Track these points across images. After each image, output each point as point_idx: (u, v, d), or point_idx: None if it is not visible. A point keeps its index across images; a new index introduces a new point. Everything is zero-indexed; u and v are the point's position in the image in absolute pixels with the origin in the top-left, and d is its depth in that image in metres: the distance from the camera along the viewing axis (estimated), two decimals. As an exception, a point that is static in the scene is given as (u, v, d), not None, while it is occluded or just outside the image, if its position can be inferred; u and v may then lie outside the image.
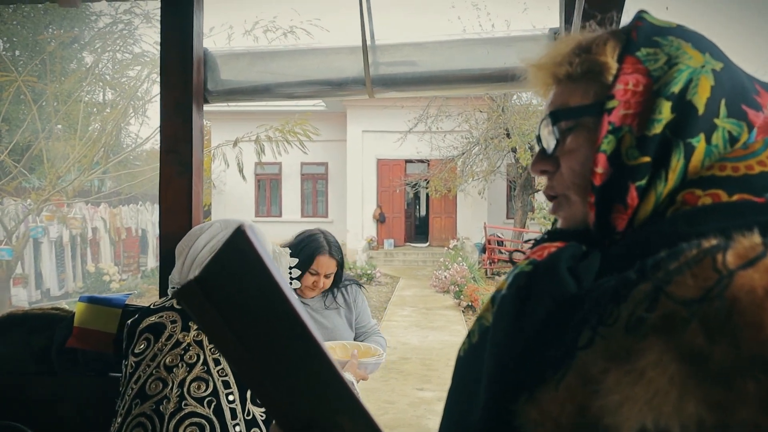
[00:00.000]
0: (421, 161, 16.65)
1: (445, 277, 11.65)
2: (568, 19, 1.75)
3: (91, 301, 1.96)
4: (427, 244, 17.44)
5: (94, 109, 9.54)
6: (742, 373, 0.35)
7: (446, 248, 15.47)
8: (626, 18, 0.64)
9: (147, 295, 11.28)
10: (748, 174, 0.52)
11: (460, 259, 13.47)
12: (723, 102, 0.55)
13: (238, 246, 0.53)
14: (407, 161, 16.98)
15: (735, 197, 0.50)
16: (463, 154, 15.00)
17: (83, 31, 10.17)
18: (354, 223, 16.85)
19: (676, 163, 0.54)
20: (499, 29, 13.11)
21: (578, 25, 1.59)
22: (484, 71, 1.94)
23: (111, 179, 11.60)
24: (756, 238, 0.41)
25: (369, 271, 13.22)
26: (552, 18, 1.99)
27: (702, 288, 0.39)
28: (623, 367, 0.40)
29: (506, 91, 11.37)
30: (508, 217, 17.24)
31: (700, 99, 0.54)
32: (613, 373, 0.41)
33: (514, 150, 14.09)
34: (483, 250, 14.71)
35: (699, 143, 0.54)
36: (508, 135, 13.92)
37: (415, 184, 16.67)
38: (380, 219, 17.01)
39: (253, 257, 0.52)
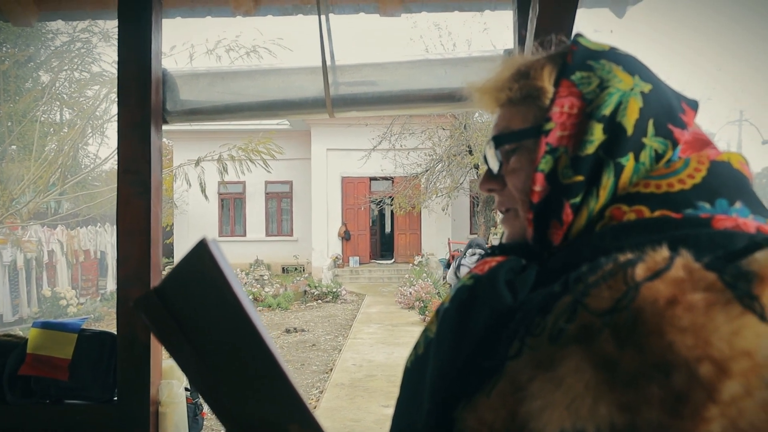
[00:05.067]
0: (386, 178, 16.71)
1: (410, 293, 11.69)
2: (521, 41, 1.81)
3: (45, 326, 1.91)
4: (393, 260, 17.45)
5: (51, 129, 9.32)
6: (646, 376, 0.38)
7: (411, 264, 15.50)
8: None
9: (106, 319, 10.97)
10: (669, 191, 0.55)
11: (425, 275, 13.52)
12: (651, 122, 0.58)
13: (200, 258, 0.53)
14: (372, 179, 17.02)
15: (656, 213, 0.54)
16: (427, 171, 15.13)
17: (39, 50, 9.94)
18: (319, 241, 16.76)
19: (607, 180, 0.57)
20: (461, 49, 13.34)
21: (530, 46, 1.65)
22: (442, 91, 1.98)
23: (68, 201, 11.31)
24: (665, 252, 0.44)
25: (335, 289, 13.13)
26: (510, 37, 2.05)
27: (613, 299, 0.42)
28: (546, 375, 0.43)
29: (465, 110, 11.54)
30: (471, 233, 17.38)
31: (629, 120, 0.58)
32: (538, 380, 0.44)
33: (476, 166, 14.27)
34: (447, 265, 14.77)
35: (628, 162, 0.57)
36: (470, 152, 14.10)
37: (380, 202, 16.70)
38: (345, 237, 16.97)
39: (214, 270, 0.53)
